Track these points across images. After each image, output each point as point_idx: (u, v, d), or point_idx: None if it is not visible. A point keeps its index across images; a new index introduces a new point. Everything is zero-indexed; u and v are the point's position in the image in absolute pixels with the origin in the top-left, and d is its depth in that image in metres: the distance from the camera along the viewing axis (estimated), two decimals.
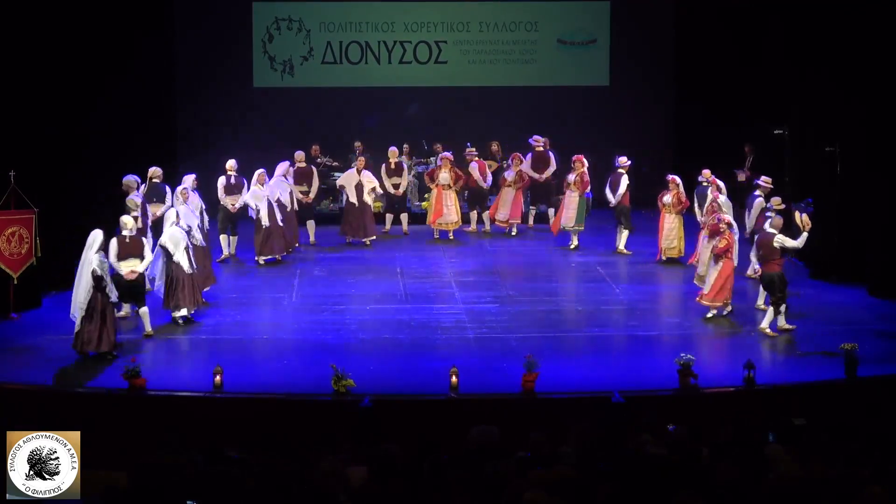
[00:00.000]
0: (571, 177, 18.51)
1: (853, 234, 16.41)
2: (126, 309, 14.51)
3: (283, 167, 18.24)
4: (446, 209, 19.34)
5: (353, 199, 19.01)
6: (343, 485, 7.98)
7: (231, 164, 18.01)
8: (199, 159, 20.08)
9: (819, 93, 16.94)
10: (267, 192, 17.41)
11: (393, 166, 19.69)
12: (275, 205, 17.42)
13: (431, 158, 21.49)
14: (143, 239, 14.24)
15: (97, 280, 13.08)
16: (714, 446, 8.93)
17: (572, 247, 18.56)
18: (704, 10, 21.40)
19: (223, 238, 18.00)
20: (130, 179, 15.95)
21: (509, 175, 19.58)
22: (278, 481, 8.00)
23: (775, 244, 14.17)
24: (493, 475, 7.90)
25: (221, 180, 17.89)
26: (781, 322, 14.18)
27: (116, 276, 13.61)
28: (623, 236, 18.36)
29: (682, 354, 12.21)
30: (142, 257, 13.94)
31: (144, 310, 14.04)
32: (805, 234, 14.22)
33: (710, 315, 14.61)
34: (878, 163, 16.03)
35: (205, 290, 15.04)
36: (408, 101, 22.81)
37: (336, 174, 21.08)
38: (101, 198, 16.87)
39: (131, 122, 18.98)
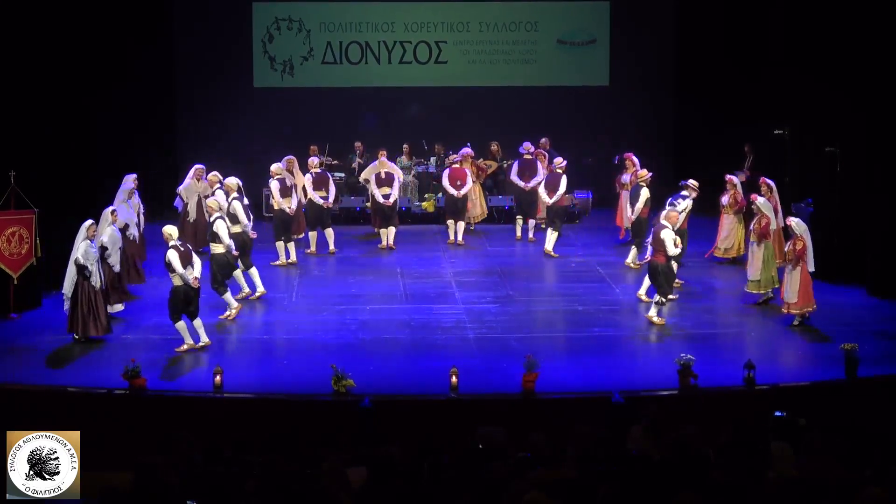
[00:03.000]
0: (626, 177, 18.32)
1: (853, 234, 16.41)
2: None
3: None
4: (471, 203, 19.44)
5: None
6: (343, 485, 7.97)
7: (276, 167, 17.62)
8: (198, 159, 20.07)
9: (819, 93, 16.92)
10: (200, 189, 17.54)
11: (384, 176, 18.86)
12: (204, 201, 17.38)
13: (432, 158, 21.50)
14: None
15: (80, 268, 13.42)
16: (714, 447, 8.92)
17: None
18: (705, 10, 21.40)
19: (280, 245, 17.59)
20: (232, 182, 16.10)
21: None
22: (278, 481, 7.99)
23: (662, 236, 14.18)
24: (493, 476, 7.90)
25: (274, 184, 17.45)
26: (652, 313, 14.34)
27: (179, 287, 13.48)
28: (553, 238, 18.07)
29: (682, 354, 12.21)
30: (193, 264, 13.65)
31: (198, 321, 13.73)
32: (678, 250, 14.26)
33: (796, 323, 14.25)
34: (877, 163, 16.03)
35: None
36: (408, 101, 22.82)
37: (336, 174, 21.09)
38: (101, 198, 16.87)
39: (131, 121, 19.02)
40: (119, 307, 14.86)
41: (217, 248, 14.80)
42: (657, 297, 14.33)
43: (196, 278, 13.53)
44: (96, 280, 13.65)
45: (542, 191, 18.27)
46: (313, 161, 18.59)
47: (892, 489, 7.57)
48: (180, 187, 17.92)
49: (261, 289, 15.72)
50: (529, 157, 19.40)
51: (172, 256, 13.39)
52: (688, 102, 22.04)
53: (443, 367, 12.32)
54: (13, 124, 15.14)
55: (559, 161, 18.37)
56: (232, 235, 15.06)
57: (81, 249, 13.54)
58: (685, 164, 18.31)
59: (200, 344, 13.62)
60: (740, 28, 20.50)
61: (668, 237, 14.14)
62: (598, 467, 8.22)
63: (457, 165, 19.18)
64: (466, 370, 12.23)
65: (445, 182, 19.10)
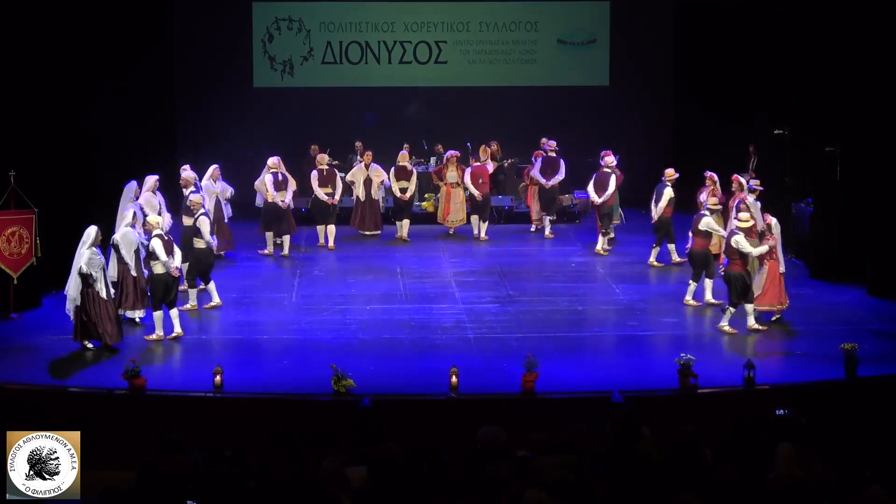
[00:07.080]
0: (703, 195, 18.14)
1: (853, 235, 16.41)
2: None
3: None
4: (453, 207, 19.44)
5: (361, 194, 19.02)
6: (343, 485, 7.97)
7: (273, 161, 18.06)
8: (198, 159, 20.07)
9: (819, 92, 16.93)
10: (218, 189, 17.36)
11: (325, 174, 18.92)
12: (223, 202, 17.41)
13: (432, 158, 21.51)
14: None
15: (83, 277, 13.13)
16: (714, 447, 8.93)
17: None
18: (704, 10, 21.41)
19: (269, 235, 18.11)
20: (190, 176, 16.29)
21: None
22: (278, 481, 7.99)
23: (732, 244, 14.08)
24: (493, 475, 7.90)
25: (269, 178, 17.83)
26: (751, 322, 14.12)
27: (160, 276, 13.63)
28: (602, 239, 18.51)
29: (682, 354, 12.20)
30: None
31: (174, 311, 13.92)
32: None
33: (774, 318, 14.31)
34: (877, 163, 16.04)
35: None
36: (408, 102, 22.83)
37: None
38: (101, 198, 16.87)
39: (131, 121, 18.98)
40: (140, 313, 14.32)
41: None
42: (730, 307, 14.13)
43: (177, 267, 13.82)
44: (102, 288, 13.24)
45: (591, 189, 18.43)
46: (320, 155, 18.56)
47: (892, 489, 7.57)
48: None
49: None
50: (554, 154, 19.62)
51: (157, 245, 13.55)
52: (688, 102, 22.05)
53: (443, 367, 12.31)
54: (13, 124, 15.14)
55: (610, 160, 18.51)
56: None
57: (85, 257, 13.11)
58: (685, 164, 18.30)
59: (173, 334, 13.70)
60: (740, 28, 20.50)
61: (737, 242, 13.91)
62: (598, 467, 8.22)
63: (478, 163, 19.46)
64: (466, 370, 12.22)
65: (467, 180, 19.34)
